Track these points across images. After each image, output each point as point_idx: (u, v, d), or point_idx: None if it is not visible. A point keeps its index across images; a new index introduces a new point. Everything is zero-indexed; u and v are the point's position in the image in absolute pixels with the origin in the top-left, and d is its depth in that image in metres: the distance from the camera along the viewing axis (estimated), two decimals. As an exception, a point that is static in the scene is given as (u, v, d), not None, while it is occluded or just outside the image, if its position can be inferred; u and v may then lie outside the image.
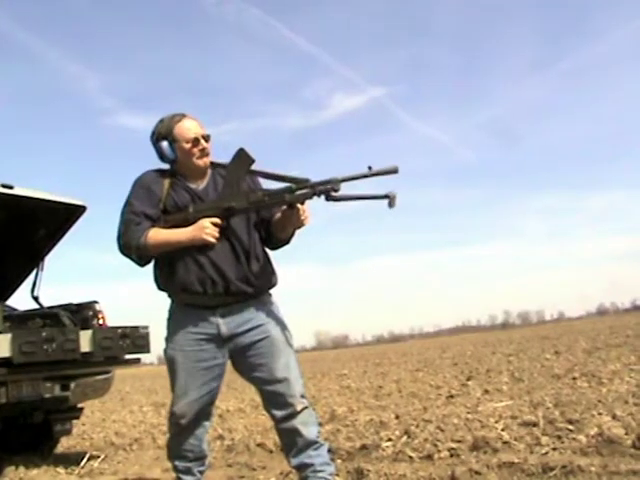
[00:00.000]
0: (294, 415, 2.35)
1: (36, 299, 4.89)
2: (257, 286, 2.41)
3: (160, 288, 2.46)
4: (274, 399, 2.38)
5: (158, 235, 2.33)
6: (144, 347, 4.38)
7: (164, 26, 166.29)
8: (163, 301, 2.50)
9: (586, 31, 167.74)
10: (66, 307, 4.65)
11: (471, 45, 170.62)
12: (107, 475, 4.06)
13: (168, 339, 2.46)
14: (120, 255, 2.38)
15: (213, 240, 2.29)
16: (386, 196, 2.18)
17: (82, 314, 4.54)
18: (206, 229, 2.28)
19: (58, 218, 4.73)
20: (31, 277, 4.97)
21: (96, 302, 4.61)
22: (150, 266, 2.46)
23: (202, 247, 2.32)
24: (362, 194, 2.23)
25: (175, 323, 2.45)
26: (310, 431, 2.36)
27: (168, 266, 2.38)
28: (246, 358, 2.40)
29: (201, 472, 2.55)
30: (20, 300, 5.17)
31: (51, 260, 4.98)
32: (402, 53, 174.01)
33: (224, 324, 2.37)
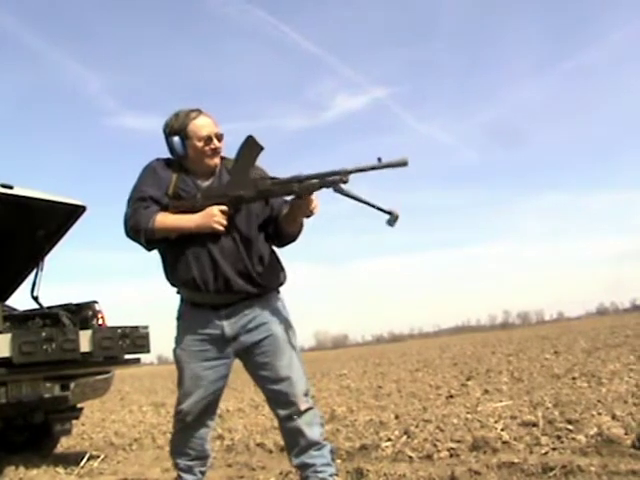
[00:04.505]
0: (298, 414, 2.35)
1: (36, 299, 4.88)
2: (262, 285, 2.40)
3: (171, 283, 2.47)
4: (278, 398, 2.39)
5: (166, 220, 2.31)
6: (144, 347, 4.39)
7: (167, 27, 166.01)
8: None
9: (590, 31, 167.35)
10: (66, 307, 4.65)
11: (474, 45, 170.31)
12: (107, 475, 4.06)
13: (177, 339, 2.47)
14: (127, 239, 2.35)
15: (221, 228, 2.28)
16: (389, 213, 2.17)
17: (82, 314, 4.54)
18: (215, 217, 2.26)
19: (58, 218, 4.73)
20: (31, 277, 4.98)
21: (95, 302, 4.61)
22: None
23: (205, 241, 2.31)
24: (368, 200, 2.19)
25: (183, 324, 2.47)
26: (313, 432, 2.37)
27: (173, 260, 2.39)
28: (251, 357, 2.41)
29: (202, 472, 2.54)
30: (20, 300, 5.19)
31: (51, 260, 5.00)
32: (405, 53, 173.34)
33: (228, 325, 2.38)
